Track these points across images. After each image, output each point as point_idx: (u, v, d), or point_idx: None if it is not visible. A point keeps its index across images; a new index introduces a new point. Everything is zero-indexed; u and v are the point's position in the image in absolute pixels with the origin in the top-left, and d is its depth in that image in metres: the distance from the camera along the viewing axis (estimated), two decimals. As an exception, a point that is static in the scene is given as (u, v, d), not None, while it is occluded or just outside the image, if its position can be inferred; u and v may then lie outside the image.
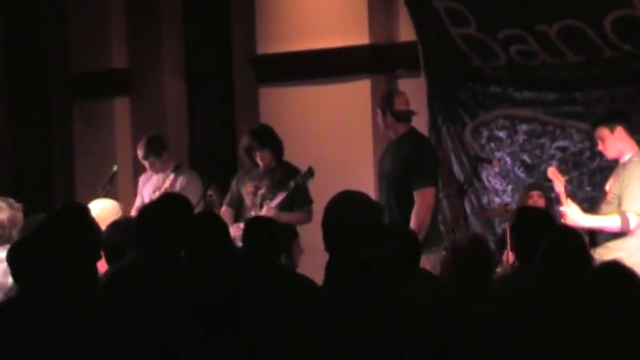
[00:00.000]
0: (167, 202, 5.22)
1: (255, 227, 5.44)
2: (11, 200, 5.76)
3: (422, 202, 7.07)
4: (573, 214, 6.57)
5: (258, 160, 7.73)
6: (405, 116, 7.37)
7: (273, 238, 5.31)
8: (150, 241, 4.84)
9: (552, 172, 6.95)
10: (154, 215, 4.96)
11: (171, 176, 8.44)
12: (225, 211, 7.86)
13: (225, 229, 5.43)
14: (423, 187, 7.11)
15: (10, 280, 5.41)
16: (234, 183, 7.95)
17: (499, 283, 5.03)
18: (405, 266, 4.88)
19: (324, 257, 3.71)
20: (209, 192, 8.29)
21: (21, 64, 11.19)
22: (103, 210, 6.52)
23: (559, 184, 6.84)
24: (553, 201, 7.66)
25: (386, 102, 7.40)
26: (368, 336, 3.41)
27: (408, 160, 7.18)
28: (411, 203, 7.12)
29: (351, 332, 3.41)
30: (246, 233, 5.44)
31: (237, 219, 7.76)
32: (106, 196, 8.06)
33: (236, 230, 7.54)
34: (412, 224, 6.96)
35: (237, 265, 5.23)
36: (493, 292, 4.54)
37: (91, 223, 4.54)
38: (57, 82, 10.81)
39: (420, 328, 3.61)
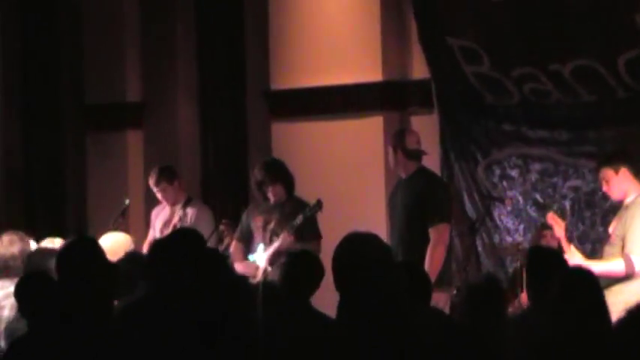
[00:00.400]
0: (178, 236, 5.22)
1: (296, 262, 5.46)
2: (22, 234, 5.78)
3: (438, 238, 7.08)
4: (576, 262, 6.46)
5: (270, 194, 7.73)
6: (416, 154, 7.38)
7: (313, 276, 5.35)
8: (160, 276, 4.84)
9: (551, 218, 6.88)
10: (164, 250, 4.96)
11: (181, 211, 8.44)
12: (235, 246, 7.85)
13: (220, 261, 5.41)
14: (438, 224, 7.11)
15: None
16: (244, 217, 7.95)
17: (514, 324, 5.01)
18: (414, 304, 4.86)
19: (333, 292, 3.72)
20: (221, 226, 8.29)
21: (37, 94, 11.25)
22: (114, 243, 6.53)
23: (559, 229, 6.78)
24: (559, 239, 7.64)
25: (398, 140, 7.42)
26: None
27: (421, 197, 7.18)
28: (424, 240, 7.11)
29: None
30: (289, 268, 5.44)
31: (246, 253, 7.76)
32: (117, 229, 8.08)
33: (245, 268, 7.54)
34: (428, 261, 6.96)
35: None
36: (510, 333, 4.54)
37: (101, 256, 4.54)
38: (72, 113, 10.86)
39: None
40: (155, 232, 8.60)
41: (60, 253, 4.49)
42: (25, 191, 11.26)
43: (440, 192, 7.37)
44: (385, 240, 7.80)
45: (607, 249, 6.69)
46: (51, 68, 11.10)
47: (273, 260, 7.44)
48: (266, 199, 7.79)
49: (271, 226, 7.69)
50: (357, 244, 3.59)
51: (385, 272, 3.56)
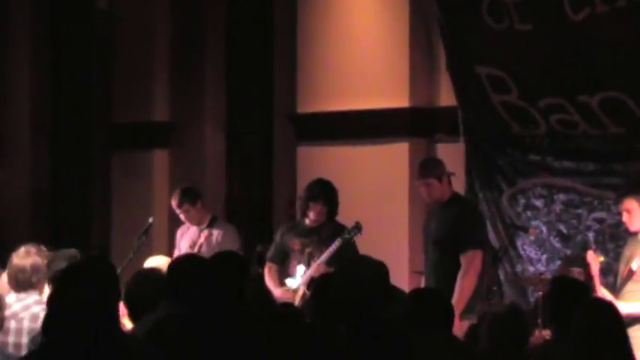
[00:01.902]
0: (223, 259, 5.32)
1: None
2: (42, 247, 5.79)
3: (469, 265, 7.02)
4: None
5: (311, 213, 7.60)
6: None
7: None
8: (202, 294, 4.89)
9: (591, 256, 6.84)
10: (211, 271, 5.04)
11: (207, 231, 8.44)
12: (269, 268, 7.76)
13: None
14: (471, 250, 7.05)
15: (38, 324, 5.43)
16: (278, 237, 7.84)
17: (536, 354, 4.98)
18: (433, 330, 4.82)
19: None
20: (258, 248, 8.26)
21: (66, 111, 11.34)
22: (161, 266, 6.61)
23: (595, 267, 6.74)
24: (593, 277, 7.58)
25: (442, 169, 7.32)
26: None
27: (455, 223, 7.12)
28: (451, 270, 7.05)
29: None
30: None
31: (281, 274, 7.71)
32: (140, 247, 8.11)
33: (283, 293, 7.47)
34: (457, 289, 6.91)
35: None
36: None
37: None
38: (100, 131, 10.93)
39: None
40: (179, 252, 8.60)
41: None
42: (50, 208, 11.33)
43: (474, 219, 7.33)
44: (406, 262, 7.80)
45: (630, 285, 6.62)
46: (80, 86, 11.18)
47: (310, 285, 7.35)
48: (305, 217, 7.66)
49: (309, 249, 7.59)
50: (349, 268, 3.60)
51: (379, 291, 3.57)
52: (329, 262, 7.42)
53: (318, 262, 7.44)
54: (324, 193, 7.64)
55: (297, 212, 7.86)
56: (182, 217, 8.60)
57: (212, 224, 8.51)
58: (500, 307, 6.38)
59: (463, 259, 7.04)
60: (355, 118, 8.95)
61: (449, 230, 7.13)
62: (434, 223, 7.29)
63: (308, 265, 7.53)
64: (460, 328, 6.32)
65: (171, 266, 5.51)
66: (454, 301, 6.77)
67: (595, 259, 6.79)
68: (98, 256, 4.90)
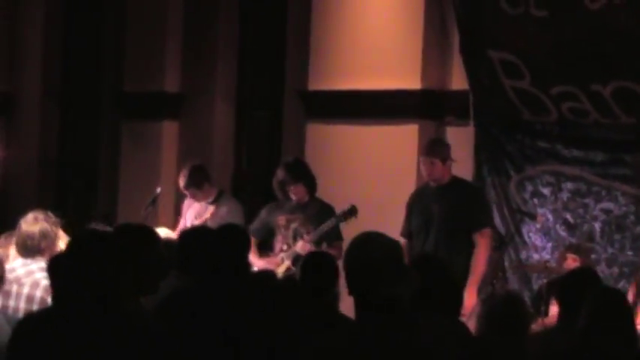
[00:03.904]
0: (224, 231, 5.37)
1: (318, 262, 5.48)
2: (50, 214, 5.79)
3: (485, 242, 7.24)
4: None
5: (292, 194, 7.78)
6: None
7: (334, 274, 5.37)
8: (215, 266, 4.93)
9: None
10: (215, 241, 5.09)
11: (213, 207, 8.44)
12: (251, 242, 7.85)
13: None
14: (483, 228, 7.28)
15: (37, 291, 5.45)
16: (264, 213, 7.98)
17: (538, 340, 4.99)
18: (439, 316, 4.83)
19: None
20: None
21: (77, 79, 11.32)
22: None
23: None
24: (593, 263, 7.58)
25: (447, 151, 7.52)
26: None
27: (467, 203, 7.34)
28: (462, 249, 7.20)
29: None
30: (308, 267, 5.46)
31: (260, 249, 7.80)
32: (147, 216, 8.12)
33: (266, 263, 7.58)
34: (474, 264, 7.11)
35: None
36: (533, 349, 4.52)
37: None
38: (110, 100, 10.91)
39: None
40: (186, 222, 8.62)
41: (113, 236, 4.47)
42: (57, 175, 11.33)
43: (482, 198, 7.64)
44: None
45: None
46: (92, 55, 11.17)
47: (295, 261, 7.47)
48: (288, 198, 7.81)
49: (295, 225, 7.75)
50: (365, 242, 3.62)
51: (394, 268, 3.58)
52: (315, 240, 7.55)
53: (307, 238, 7.52)
54: (304, 174, 7.82)
55: (276, 193, 7.92)
56: (188, 195, 8.62)
57: (218, 199, 8.52)
58: (497, 295, 6.41)
59: (478, 237, 7.25)
60: (366, 97, 8.94)
61: (461, 210, 7.29)
62: (435, 205, 7.37)
63: (294, 241, 7.61)
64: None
65: (182, 237, 5.55)
66: (471, 278, 7.05)
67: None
68: (118, 227, 4.85)
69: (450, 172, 7.49)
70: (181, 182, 8.52)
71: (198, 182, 8.43)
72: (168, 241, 5.55)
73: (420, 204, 7.55)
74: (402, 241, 7.49)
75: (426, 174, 7.53)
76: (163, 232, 7.30)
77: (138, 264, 4.10)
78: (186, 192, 8.55)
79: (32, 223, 5.62)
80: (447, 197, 7.37)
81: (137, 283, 4.12)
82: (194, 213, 8.58)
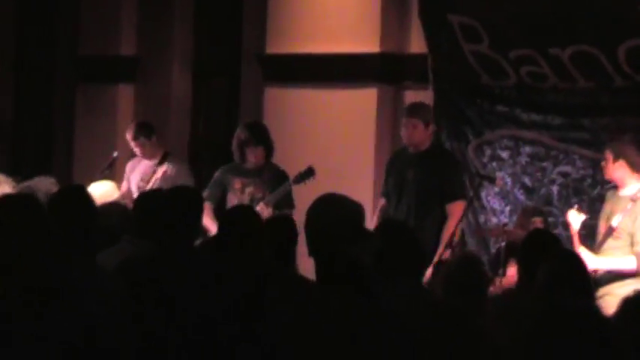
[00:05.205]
0: (179, 193, 5.23)
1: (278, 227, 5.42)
2: (6, 176, 5.72)
3: (456, 214, 7.05)
4: (586, 257, 6.32)
5: (251, 156, 7.71)
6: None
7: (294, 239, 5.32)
8: (167, 231, 4.83)
9: (572, 216, 6.79)
10: (166, 205, 4.97)
11: (162, 167, 8.42)
12: (207, 206, 7.75)
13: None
14: (460, 200, 7.11)
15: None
16: (218, 176, 7.90)
17: (496, 302, 5.00)
18: (403, 278, 4.80)
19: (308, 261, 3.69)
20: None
21: (31, 43, 11.17)
22: (104, 192, 6.54)
23: (576, 226, 6.73)
24: (550, 226, 7.60)
25: (428, 114, 7.33)
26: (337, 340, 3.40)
27: (444, 174, 7.15)
28: (434, 216, 7.10)
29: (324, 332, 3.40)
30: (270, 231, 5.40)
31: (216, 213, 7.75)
32: (104, 180, 8.06)
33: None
34: (446, 234, 6.94)
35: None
36: (493, 309, 4.53)
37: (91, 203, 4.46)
38: (65, 64, 10.78)
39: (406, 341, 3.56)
40: (130, 184, 8.58)
41: (51, 199, 4.41)
42: (13, 139, 11.20)
43: (458, 169, 7.38)
44: (370, 209, 7.81)
45: (611, 242, 6.59)
46: (47, 18, 11.01)
47: None
48: (244, 161, 7.75)
49: (250, 189, 7.71)
50: (326, 203, 3.59)
51: (355, 229, 3.56)
52: (273, 204, 7.54)
53: (266, 201, 7.49)
54: (264, 136, 7.75)
55: (234, 154, 7.85)
56: (136, 150, 8.56)
57: (164, 160, 8.48)
58: (454, 258, 6.41)
59: (451, 208, 7.07)
60: (324, 61, 8.88)
61: (435, 180, 7.12)
62: (411, 171, 7.23)
63: (250, 204, 7.54)
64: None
65: (137, 202, 5.46)
66: (439, 249, 6.86)
67: (575, 218, 6.77)
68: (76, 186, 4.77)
69: (430, 138, 7.25)
70: (129, 135, 8.52)
71: (147, 133, 8.44)
72: (112, 208, 5.47)
73: (395, 168, 7.42)
74: (382, 201, 7.47)
75: (405, 137, 7.25)
76: (98, 188, 7.19)
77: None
78: (134, 143, 8.49)
79: None
80: (423, 165, 7.19)
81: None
82: (139, 175, 8.53)
